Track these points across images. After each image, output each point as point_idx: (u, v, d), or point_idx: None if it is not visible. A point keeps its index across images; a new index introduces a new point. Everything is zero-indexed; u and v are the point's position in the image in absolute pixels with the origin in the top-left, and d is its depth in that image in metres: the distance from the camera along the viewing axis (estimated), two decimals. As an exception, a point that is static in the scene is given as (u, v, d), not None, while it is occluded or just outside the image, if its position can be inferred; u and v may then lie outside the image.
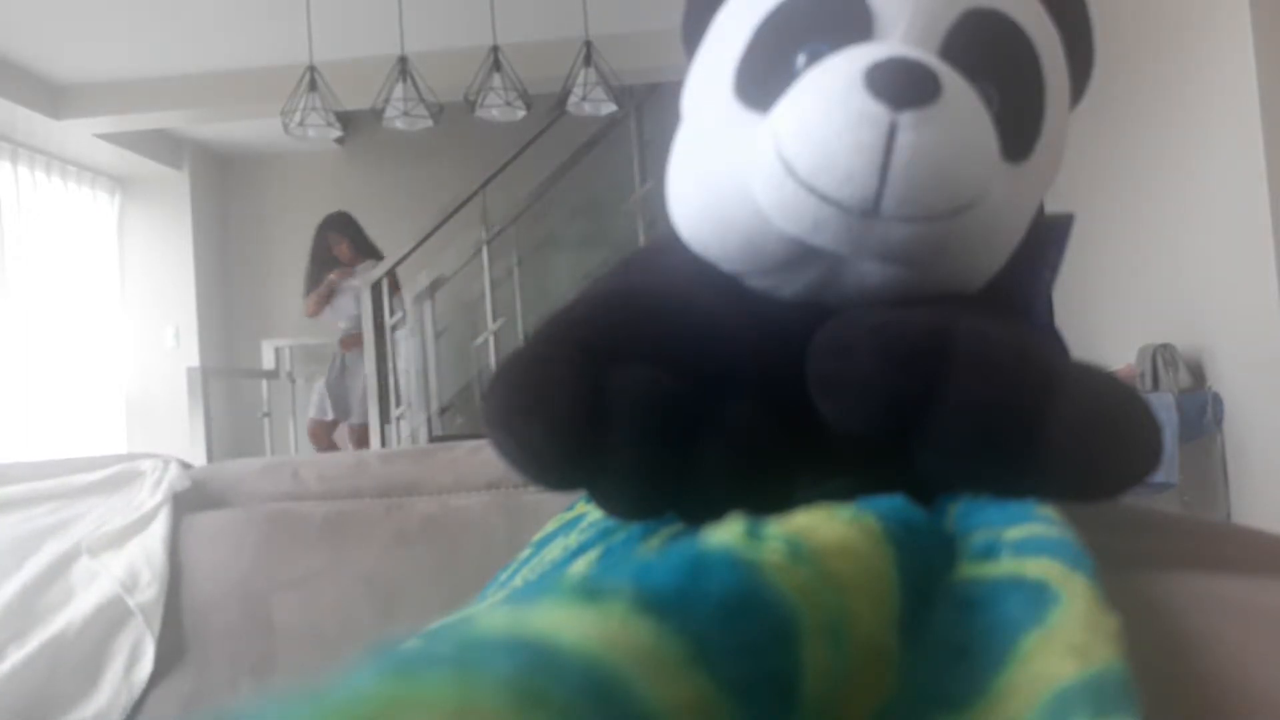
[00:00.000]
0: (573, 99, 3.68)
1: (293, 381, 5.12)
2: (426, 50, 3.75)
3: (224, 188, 5.59)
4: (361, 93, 3.72)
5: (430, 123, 3.73)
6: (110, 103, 4.44)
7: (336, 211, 4.51)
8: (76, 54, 4.12)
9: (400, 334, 4.64)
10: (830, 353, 0.38)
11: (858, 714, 0.23)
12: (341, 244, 4.45)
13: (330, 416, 4.47)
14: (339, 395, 4.46)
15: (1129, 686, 0.21)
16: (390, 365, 4.32)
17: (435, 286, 4.69)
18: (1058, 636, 0.23)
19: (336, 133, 3.94)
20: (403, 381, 4.62)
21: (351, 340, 4.40)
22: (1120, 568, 0.33)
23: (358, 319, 4.32)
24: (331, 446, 4.50)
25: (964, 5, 0.44)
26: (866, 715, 0.23)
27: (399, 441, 4.46)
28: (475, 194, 4.52)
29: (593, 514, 0.48)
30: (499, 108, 3.62)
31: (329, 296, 4.43)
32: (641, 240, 4.64)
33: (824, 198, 0.39)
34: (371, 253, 4.46)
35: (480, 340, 4.66)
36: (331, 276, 4.41)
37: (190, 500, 1.07)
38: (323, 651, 0.95)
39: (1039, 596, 0.25)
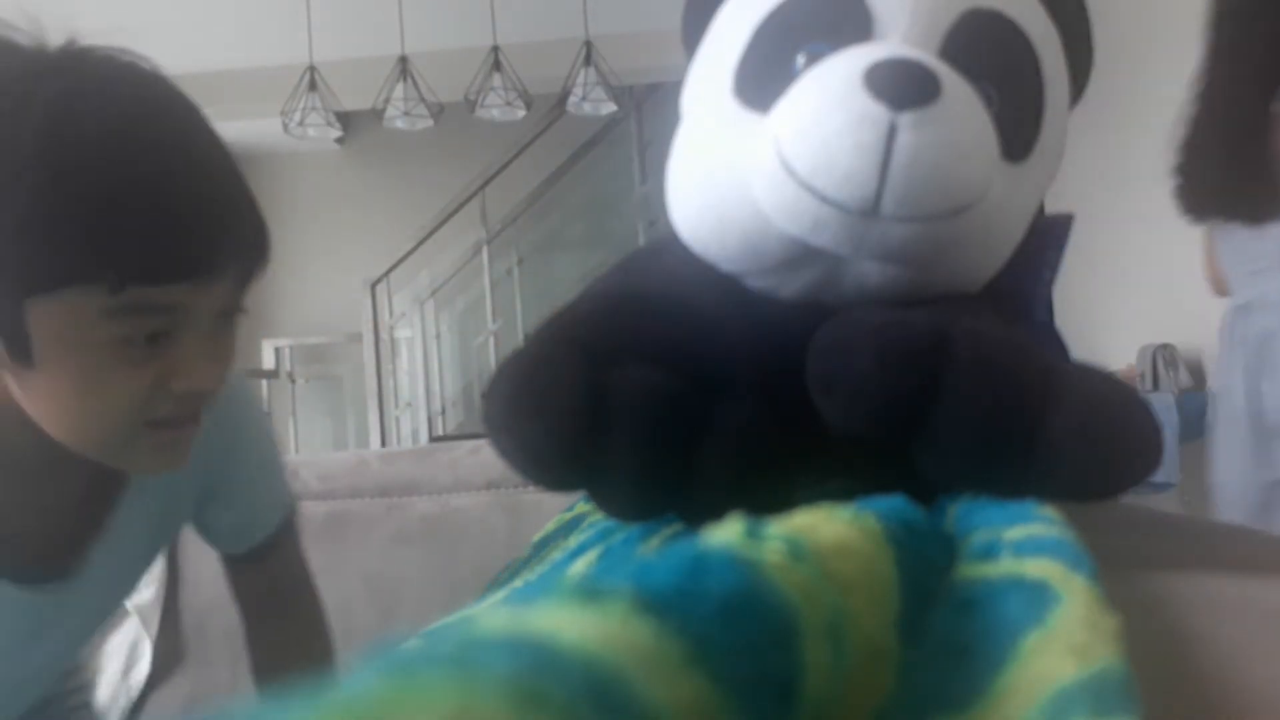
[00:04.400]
0: (573, 99, 3.68)
1: (293, 381, 5.12)
2: (426, 50, 3.75)
3: (224, 188, 5.58)
4: (361, 93, 3.72)
5: (430, 123, 3.73)
6: (110, 103, 4.44)
7: None
8: (76, 54, 4.11)
9: (400, 334, 4.64)
10: (830, 352, 0.38)
11: (858, 714, 0.23)
12: None
13: None
14: None
15: (1129, 686, 0.21)
16: (391, 365, 4.30)
17: (435, 286, 4.70)
18: (1058, 636, 0.23)
19: (336, 133, 3.94)
20: (403, 381, 4.62)
21: None
22: (1120, 568, 0.33)
23: None
24: None
25: (964, 5, 0.44)
26: (866, 715, 0.23)
27: (399, 441, 4.47)
28: (475, 194, 4.51)
29: (593, 514, 0.48)
30: (499, 108, 3.62)
31: None
32: (641, 240, 4.63)
33: (824, 198, 0.39)
34: None
35: (480, 340, 4.66)
36: None
37: (190, 500, 1.07)
38: (323, 651, 0.95)
39: (1039, 596, 0.25)
